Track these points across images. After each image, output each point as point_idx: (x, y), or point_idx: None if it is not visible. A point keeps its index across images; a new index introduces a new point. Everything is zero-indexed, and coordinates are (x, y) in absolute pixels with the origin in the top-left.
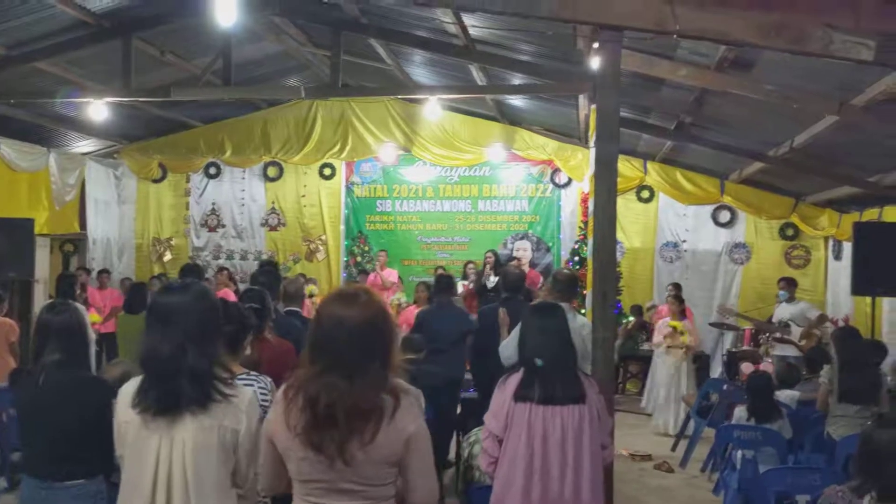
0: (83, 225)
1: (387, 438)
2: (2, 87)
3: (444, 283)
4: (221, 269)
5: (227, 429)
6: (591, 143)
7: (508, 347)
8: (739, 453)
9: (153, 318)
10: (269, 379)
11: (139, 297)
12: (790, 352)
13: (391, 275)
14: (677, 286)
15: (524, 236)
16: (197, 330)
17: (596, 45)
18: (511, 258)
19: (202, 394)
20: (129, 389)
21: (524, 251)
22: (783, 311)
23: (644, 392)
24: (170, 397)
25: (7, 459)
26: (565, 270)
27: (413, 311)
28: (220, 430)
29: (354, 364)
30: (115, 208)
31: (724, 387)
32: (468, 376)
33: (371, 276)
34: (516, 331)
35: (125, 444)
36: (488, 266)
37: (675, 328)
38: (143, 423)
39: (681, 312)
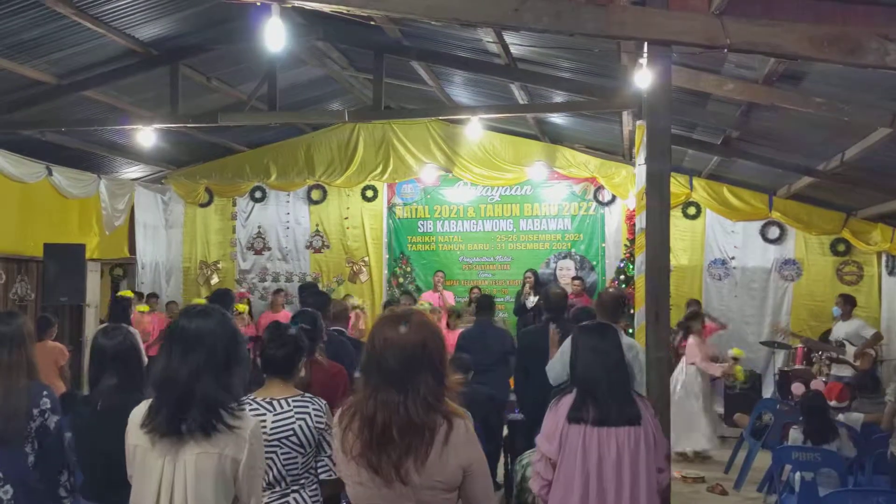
0: (132, 249)
1: (441, 462)
2: (54, 116)
3: (484, 303)
4: (279, 290)
5: (228, 458)
6: (637, 159)
7: (555, 367)
8: (798, 475)
9: (174, 340)
10: (324, 401)
11: None
12: (846, 372)
13: (450, 297)
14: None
15: (567, 255)
16: (217, 357)
17: (641, 60)
18: (553, 277)
19: (208, 422)
20: (140, 411)
21: (567, 270)
22: (839, 330)
23: None
24: (177, 422)
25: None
26: (610, 290)
27: (455, 333)
28: (221, 458)
29: (405, 381)
30: (163, 233)
31: (778, 407)
32: (512, 397)
33: (436, 297)
34: (562, 349)
35: (134, 464)
36: (528, 286)
37: (736, 358)
38: (150, 443)
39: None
